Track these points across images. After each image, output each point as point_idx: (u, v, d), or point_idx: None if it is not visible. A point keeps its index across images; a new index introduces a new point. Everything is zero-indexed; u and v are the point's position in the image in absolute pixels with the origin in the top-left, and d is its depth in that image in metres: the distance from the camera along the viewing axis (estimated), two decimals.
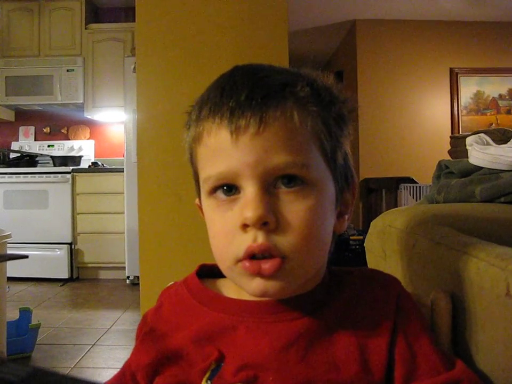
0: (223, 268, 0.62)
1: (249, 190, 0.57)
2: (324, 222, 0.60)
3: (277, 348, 0.61)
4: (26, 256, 0.71)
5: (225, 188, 0.59)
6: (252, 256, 0.57)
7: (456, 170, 1.41)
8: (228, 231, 0.58)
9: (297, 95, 0.58)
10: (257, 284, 0.58)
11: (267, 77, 0.59)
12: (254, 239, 0.56)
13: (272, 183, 0.57)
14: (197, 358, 0.63)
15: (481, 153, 1.33)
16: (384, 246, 1.17)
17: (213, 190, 0.60)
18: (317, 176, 0.59)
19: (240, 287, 0.62)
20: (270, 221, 0.56)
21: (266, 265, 0.56)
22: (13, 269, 2.76)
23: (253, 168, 0.56)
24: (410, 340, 0.63)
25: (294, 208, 0.57)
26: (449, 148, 3.50)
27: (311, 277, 0.63)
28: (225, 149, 0.58)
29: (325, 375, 0.60)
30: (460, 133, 5.66)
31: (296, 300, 0.64)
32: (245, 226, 0.56)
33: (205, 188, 0.61)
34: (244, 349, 0.62)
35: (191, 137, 0.63)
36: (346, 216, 0.66)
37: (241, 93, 0.57)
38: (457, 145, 3.12)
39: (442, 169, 1.48)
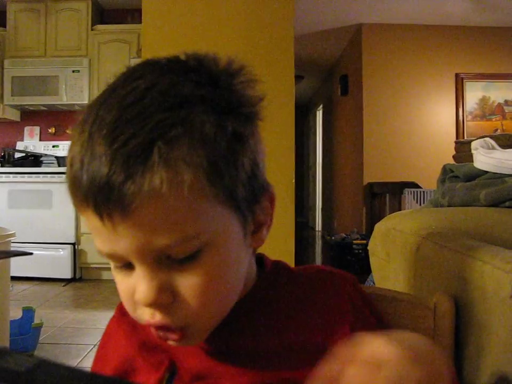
0: None
1: (139, 271, 0.52)
2: (228, 271, 0.56)
3: (226, 353, 0.60)
4: (30, 253, 0.71)
5: (119, 264, 0.54)
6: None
7: (461, 174, 1.41)
8: (129, 298, 0.54)
9: (166, 158, 0.48)
10: (173, 343, 0.56)
11: (126, 143, 0.48)
12: (152, 315, 0.53)
13: (164, 257, 0.51)
14: (149, 367, 0.61)
15: (487, 157, 1.33)
16: (388, 249, 1.17)
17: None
18: (211, 234, 0.52)
19: None
20: (163, 301, 0.52)
21: (170, 338, 0.55)
22: (17, 268, 2.77)
23: (136, 253, 0.50)
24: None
25: (190, 278, 0.52)
26: (454, 153, 3.49)
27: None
28: (102, 232, 0.51)
29: (280, 374, 0.59)
30: (465, 138, 5.66)
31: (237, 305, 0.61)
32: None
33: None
34: (194, 356, 0.61)
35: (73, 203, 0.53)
36: (265, 227, 0.60)
37: (101, 170, 0.48)
38: (462, 150, 3.12)
39: (447, 173, 1.48)
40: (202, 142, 0.50)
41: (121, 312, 0.66)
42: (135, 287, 0.52)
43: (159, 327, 0.54)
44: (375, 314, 0.68)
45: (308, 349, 0.61)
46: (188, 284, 0.52)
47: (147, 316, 0.53)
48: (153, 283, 0.51)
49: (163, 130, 0.48)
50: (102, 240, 0.52)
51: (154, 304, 0.52)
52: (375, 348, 0.44)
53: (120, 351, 0.65)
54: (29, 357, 0.28)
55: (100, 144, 0.49)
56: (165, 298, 0.51)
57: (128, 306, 0.56)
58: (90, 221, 0.51)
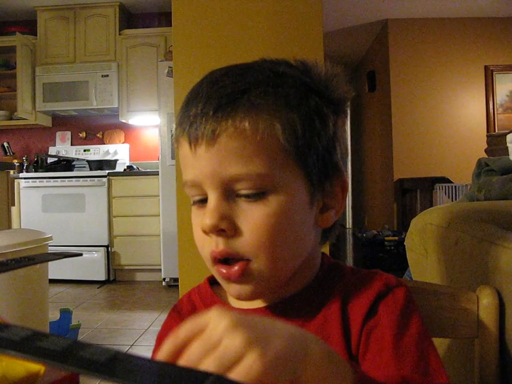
0: (208, 266, 0.64)
1: (210, 199, 0.59)
2: (289, 224, 0.60)
3: None
4: (80, 254, 0.74)
5: (197, 197, 0.62)
6: (218, 260, 0.60)
7: (496, 168, 1.39)
8: (199, 234, 0.62)
9: (252, 103, 0.58)
10: (233, 288, 0.61)
11: (224, 87, 0.59)
12: (216, 244, 0.59)
13: (233, 191, 0.59)
14: None
15: None
16: (426, 244, 1.16)
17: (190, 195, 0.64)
18: (278, 181, 0.59)
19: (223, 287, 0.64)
20: (225, 228, 0.58)
21: (233, 271, 0.59)
22: (52, 271, 2.84)
23: (211, 178, 0.59)
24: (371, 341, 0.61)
25: (252, 215, 0.58)
26: (485, 146, 3.45)
27: (291, 279, 0.63)
28: (188, 159, 0.61)
29: None
30: (496, 131, 5.57)
31: (288, 302, 0.64)
32: (205, 233, 0.60)
33: (184, 190, 0.64)
34: None
35: (173, 137, 0.65)
36: (333, 211, 0.65)
37: (198, 105, 0.59)
38: (495, 143, 3.08)
39: (482, 167, 1.47)
40: (285, 104, 0.59)
41: (175, 310, 0.72)
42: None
43: (223, 262, 0.60)
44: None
45: (341, 349, 0.61)
46: (249, 219, 0.58)
47: (212, 245, 0.60)
48: (218, 211, 0.58)
49: (255, 86, 0.59)
50: (188, 168, 0.62)
51: (216, 229, 0.58)
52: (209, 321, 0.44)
53: None
54: (106, 349, 0.29)
55: (204, 87, 0.61)
56: (225, 225, 0.58)
57: (198, 244, 0.63)
58: (182, 150, 0.62)
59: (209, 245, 0.60)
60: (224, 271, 0.59)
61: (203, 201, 0.61)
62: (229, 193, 0.59)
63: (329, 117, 0.63)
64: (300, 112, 0.60)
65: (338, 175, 0.65)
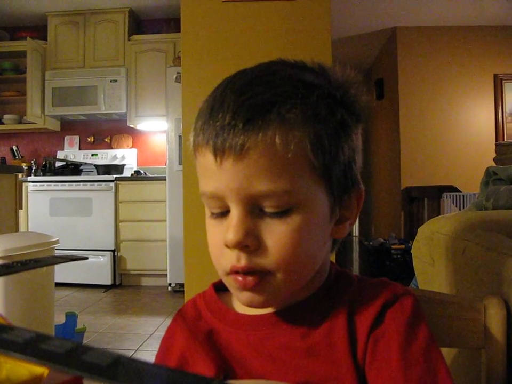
0: (219, 275, 0.64)
1: (234, 213, 0.58)
2: (310, 238, 0.60)
3: (277, 361, 0.62)
4: (86, 258, 0.74)
5: (217, 209, 0.61)
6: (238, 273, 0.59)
7: (504, 177, 1.39)
8: (217, 245, 0.60)
9: (283, 117, 0.56)
10: (245, 296, 0.61)
11: (253, 97, 0.57)
12: (237, 259, 0.58)
13: (257, 206, 0.58)
14: (205, 358, 0.65)
15: None
16: (432, 253, 1.16)
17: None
18: (303, 197, 0.58)
19: (234, 295, 0.64)
20: (249, 244, 0.57)
21: (248, 280, 0.58)
22: (58, 274, 2.85)
23: (236, 193, 0.57)
24: (377, 355, 0.60)
25: (276, 231, 0.58)
26: (494, 155, 3.44)
27: (301, 287, 0.63)
28: (211, 170, 0.58)
29: (325, 381, 0.60)
30: (505, 140, 5.55)
31: (294, 309, 0.64)
32: (227, 246, 0.58)
33: (202, 199, 0.63)
34: (247, 363, 0.63)
35: (192, 143, 0.63)
36: (349, 222, 0.66)
37: (226, 115, 0.56)
38: (503, 152, 3.07)
39: (491, 176, 1.46)
40: (313, 118, 0.58)
41: (180, 315, 0.72)
42: (224, 233, 0.58)
43: (240, 273, 0.59)
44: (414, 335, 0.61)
45: (347, 357, 0.60)
46: (273, 235, 0.57)
47: (234, 260, 0.58)
48: (243, 226, 0.57)
49: (284, 98, 0.57)
50: (209, 179, 0.59)
51: (241, 245, 0.57)
52: None
53: (178, 345, 0.69)
54: (108, 353, 0.29)
55: (230, 95, 0.58)
56: (250, 241, 0.57)
57: (214, 255, 0.62)
58: (204, 160, 0.59)
59: (228, 258, 0.59)
60: (240, 279, 0.59)
61: (223, 213, 0.60)
62: (252, 208, 0.58)
63: (352, 129, 0.63)
64: (327, 125, 0.59)
65: (356, 187, 0.65)
